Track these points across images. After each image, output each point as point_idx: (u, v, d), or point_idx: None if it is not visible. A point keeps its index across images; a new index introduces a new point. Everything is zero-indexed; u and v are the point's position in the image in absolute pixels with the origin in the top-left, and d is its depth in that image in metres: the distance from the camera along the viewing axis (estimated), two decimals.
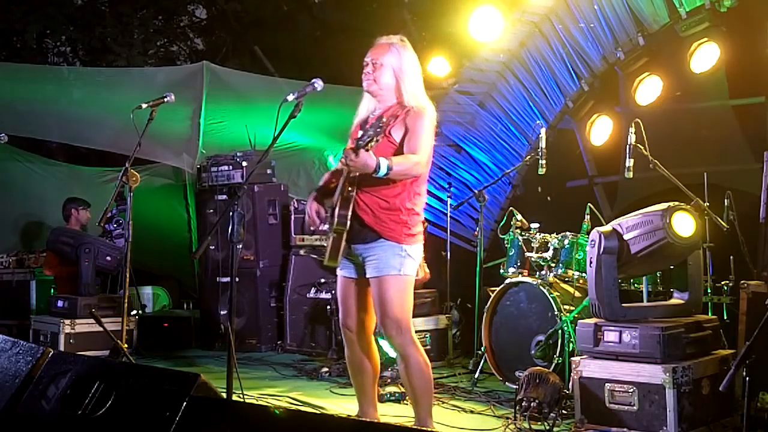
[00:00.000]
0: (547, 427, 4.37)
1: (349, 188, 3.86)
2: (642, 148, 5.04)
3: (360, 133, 3.77)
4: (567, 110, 7.64)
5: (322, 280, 7.11)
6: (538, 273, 5.58)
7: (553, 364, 5.06)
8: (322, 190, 4.09)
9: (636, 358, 4.14)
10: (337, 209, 3.83)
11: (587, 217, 5.49)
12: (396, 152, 3.87)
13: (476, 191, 6.29)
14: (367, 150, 3.62)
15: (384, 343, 5.49)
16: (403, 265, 3.87)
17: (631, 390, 4.10)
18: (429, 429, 3.81)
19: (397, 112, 3.93)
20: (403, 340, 3.89)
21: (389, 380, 5.45)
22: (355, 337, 4.07)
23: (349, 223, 3.81)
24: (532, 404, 4.43)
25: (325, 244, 3.90)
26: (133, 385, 2.56)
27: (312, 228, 4.05)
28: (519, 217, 5.75)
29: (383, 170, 3.70)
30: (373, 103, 4.08)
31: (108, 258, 7.17)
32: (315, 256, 4.10)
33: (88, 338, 6.69)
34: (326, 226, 3.91)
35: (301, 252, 7.34)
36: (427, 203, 8.43)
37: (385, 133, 3.81)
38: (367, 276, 3.93)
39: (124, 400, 2.53)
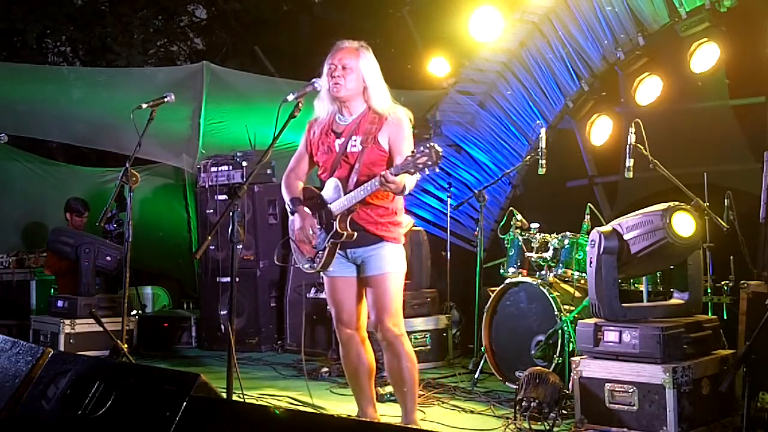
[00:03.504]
0: (547, 427, 4.37)
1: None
2: (642, 148, 5.03)
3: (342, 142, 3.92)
4: (567, 110, 7.65)
5: (322, 281, 7.10)
6: (538, 273, 5.58)
7: (553, 364, 5.06)
8: (306, 203, 4.16)
9: (636, 358, 4.14)
10: (336, 223, 3.91)
11: (587, 217, 5.49)
12: (385, 161, 3.92)
13: (476, 191, 6.29)
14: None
15: None
16: (401, 262, 4.04)
17: (631, 390, 4.10)
18: (430, 429, 3.81)
19: (374, 120, 3.95)
20: (399, 332, 4.00)
21: (389, 380, 5.43)
22: (354, 334, 4.13)
23: (346, 234, 3.91)
24: (532, 404, 4.43)
25: (317, 256, 4.02)
26: (133, 385, 2.56)
27: (300, 242, 4.10)
28: (519, 217, 5.75)
29: (407, 191, 3.80)
30: (334, 106, 4.05)
31: (108, 258, 7.16)
32: (305, 266, 4.15)
33: (88, 338, 6.69)
34: (316, 241, 3.97)
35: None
36: (426, 203, 8.50)
37: (375, 142, 3.91)
38: (367, 275, 4.00)
39: (124, 400, 2.54)
